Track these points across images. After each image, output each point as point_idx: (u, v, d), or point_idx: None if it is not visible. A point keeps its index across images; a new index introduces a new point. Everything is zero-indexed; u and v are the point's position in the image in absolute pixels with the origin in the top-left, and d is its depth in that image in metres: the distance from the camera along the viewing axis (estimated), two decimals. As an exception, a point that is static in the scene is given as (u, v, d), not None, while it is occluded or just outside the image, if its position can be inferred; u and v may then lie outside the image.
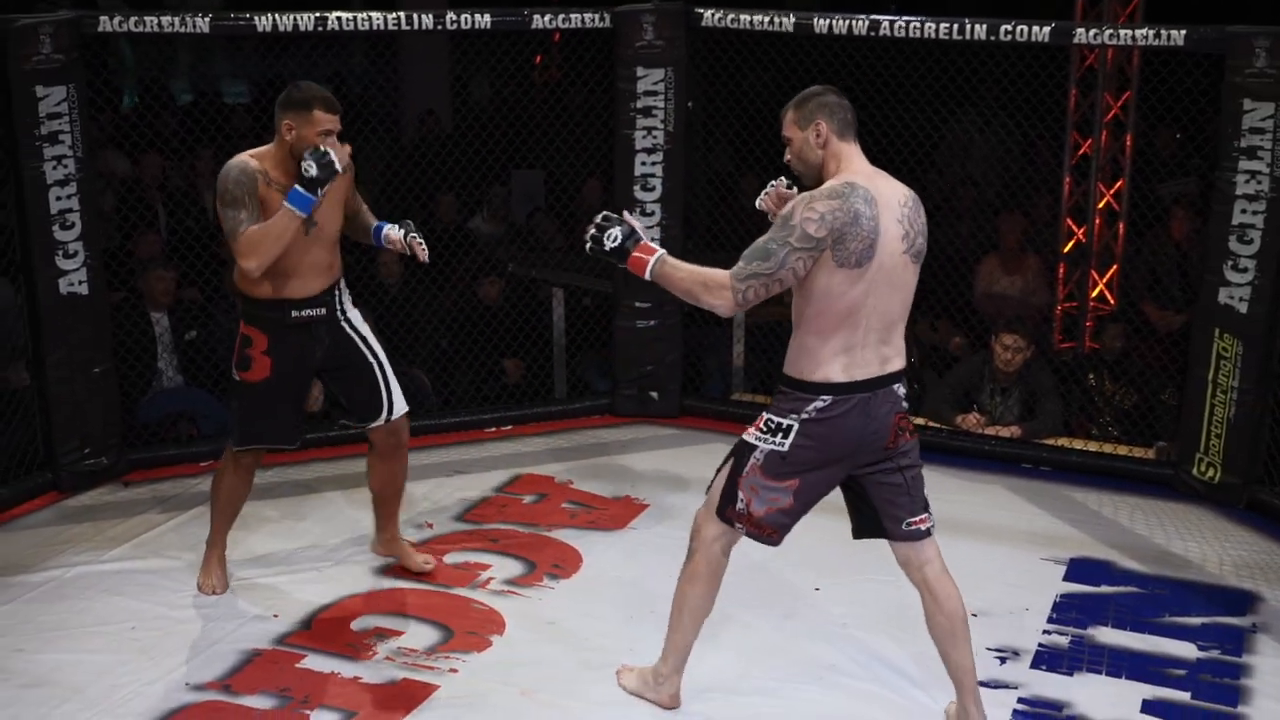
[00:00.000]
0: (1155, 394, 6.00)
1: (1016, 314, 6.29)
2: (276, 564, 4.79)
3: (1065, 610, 4.53)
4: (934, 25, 5.48)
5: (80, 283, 5.25)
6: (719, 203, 6.53)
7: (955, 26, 5.45)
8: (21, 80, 5.01)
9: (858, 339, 3.44)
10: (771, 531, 3.60)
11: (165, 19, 5.24)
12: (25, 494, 5.28)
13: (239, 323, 4.32)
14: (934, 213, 7.13)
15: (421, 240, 4.36)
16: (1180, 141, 7.33)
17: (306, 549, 4.92)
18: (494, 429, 6.21)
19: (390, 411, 4.43)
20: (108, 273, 5.54)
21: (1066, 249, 6.74)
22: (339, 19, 5.45)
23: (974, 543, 4.95)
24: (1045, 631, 4.38)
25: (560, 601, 4.53)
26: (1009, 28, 5.37)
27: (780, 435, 3.50)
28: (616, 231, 3.51)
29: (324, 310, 4.29)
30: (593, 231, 3.53)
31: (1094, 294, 6.69)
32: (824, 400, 3.46)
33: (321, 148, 4.01)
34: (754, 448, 3.55)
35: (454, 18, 5.64)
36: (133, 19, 5.21)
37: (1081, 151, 6.59)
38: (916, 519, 3.63)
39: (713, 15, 5.87)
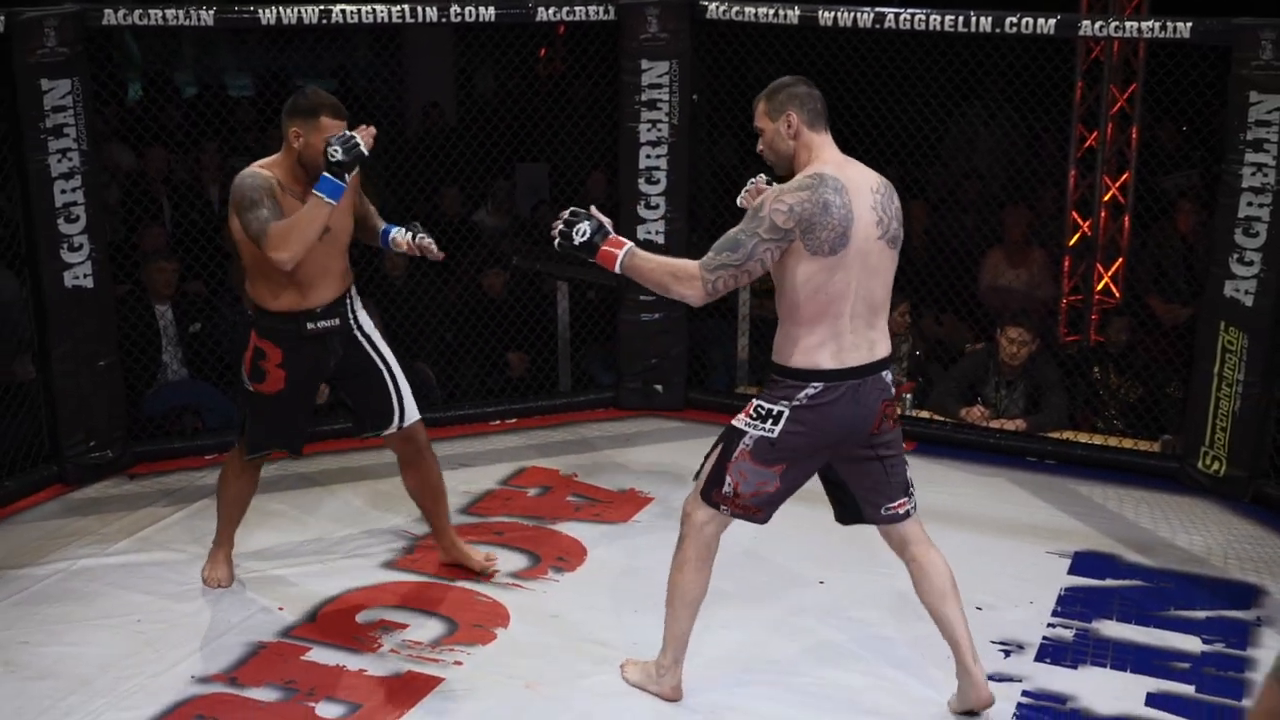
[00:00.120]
0: (1160, 387, 6.00)
1: (1021, 307, 6.29)
2: (282, 557, 4.80)
3: (1070, 603, 4.53)
4: (939, 18, 5.47)
5: (85, 276, 5.26)
6: (723, 195, 6.51)
7: (960, 19, 5.44)
8: (27, 73, 5.01)
9: (844, 325, 3.48)
10: (757, 510, 3.64)
11: (169, 12, 5.23)
12: (31, 487, 5.29)
13: (250, 333, 4.27)
14: (939, 205, 7.19)
15: (430, 240, 4.31)
16: (1186, 134, 7.31)
17: (312, 542, 4.93)
18: (498, 422, 6.21)
19: (402, 419, 4.39)
20: (113, 266, 5.55)
21: (1072, 242, 6.74)
22: (343, 12, 5.45)
23: (978, 536, 4.95)
24: (1050, 625, 4.38)
25: (564, 594, 4.54)
26: (1014, 20, 5.36)
27: (770, 421, 3.53)
28: (585, 226, 3.55)
29: (338, 321, 4.26)
30: (560, 227, 3.57)
31: (1099, 287, 6.68)
32: (815, 387, 3.50)
33: (346, 133, 3.97)
34: (743, 433, 3.58)
35: (458, 10, 5.63)
36: (137, 12, 5.21)
37: (1087, 144, 6.58)
38: (895, 504, 3.70)
39: (717, 8, 5.87)
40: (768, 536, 4.38)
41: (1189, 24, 5.14)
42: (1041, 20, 5.34)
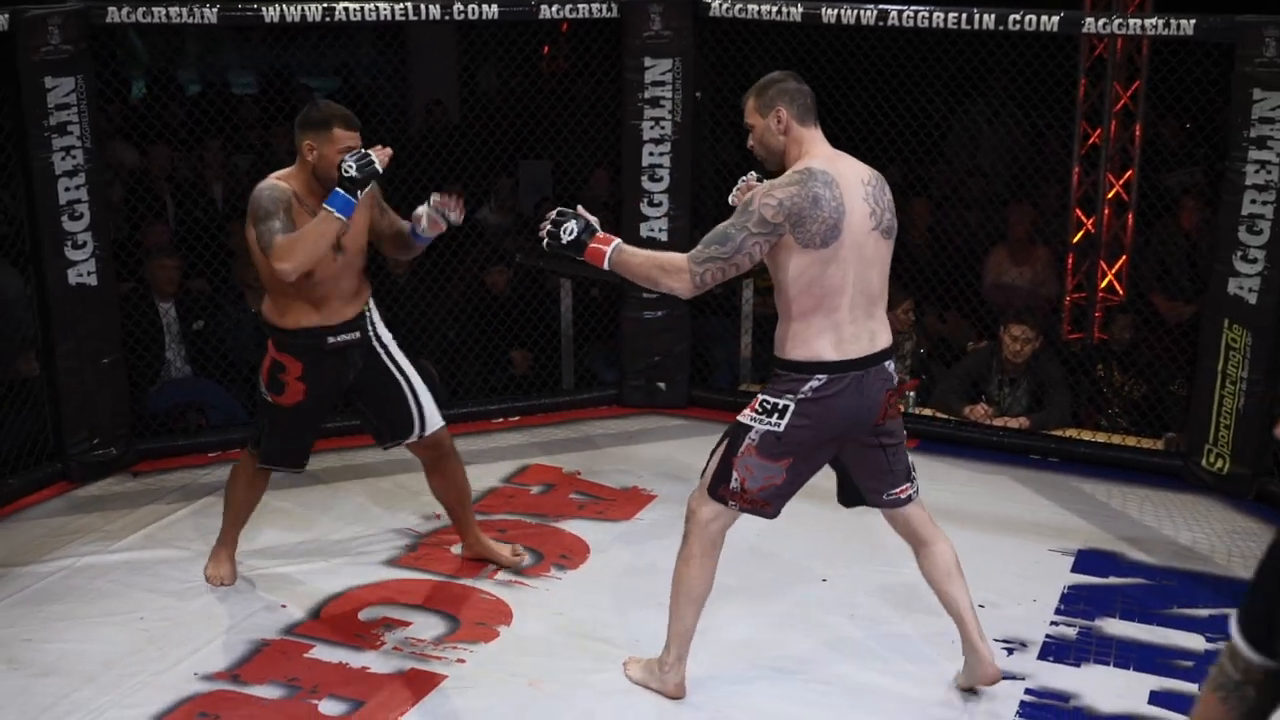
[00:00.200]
0: (1164, 385, 5.99)
1: (1025, 305, 6.28)
2: (285, 554, 4.80)
3: (1073, 601, 4.53)
4: (942, 15, 5.47)
5: (89, 273, 5.27)
6: (726, 193, 6.50)
7: (964, 16, 5.44)
8: (30, 71, 5.01)
9: (843, 317, 3.51)
10: (765, 504, 3.66)
11: (173, 10, 5.23)
12: (35, 484, 5.30)
13: (269, 344, 4.25)
14: (942, 203, 7.18)
15: (438, 196, 4.17)
16: (1189, 131, 7.31)
17: (315, 539, 4.93)
18: (501, 420, 6.21)
19: (423, 427, 4.38)
20: (116, 263, 5.55)
21: (1075, 239, 6.73)
22: (346, 9, 5.44)
23: (982, 534, 4.95)
24: (1053, 623, 4.38)
25: (567, 592, 4.54)
26: (1018, 17, 5.35)
27: (776, 416, 3.55)
28: (572, 225, 3.58)
29: (358, 334, 4.24)
30: (549, 228, 3.60)
31: (1103, 284, 6.67)
32: (819, 379, 3.51)
33: (362, 150, 3.94)
34: (749, 428, 3.60)
35: (461, 8, 5.63)
36: (140, 10, 5.21)
37: (1091, 141, 6.58)
38: (897, 490, 3.74)
39: (720, 5, 5.86)
40: (771, 533, 4.39)
41: (1192, 21, 5.14)
42: (1045, 17, 5.34)
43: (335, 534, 4.97)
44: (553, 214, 3.62)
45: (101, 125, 5.46)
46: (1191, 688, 4.01)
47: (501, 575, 4.63)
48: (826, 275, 3.46)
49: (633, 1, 5.89)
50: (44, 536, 4.94)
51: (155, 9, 5.23)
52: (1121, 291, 6.64)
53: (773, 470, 3.59)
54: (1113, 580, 4.71)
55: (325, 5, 5.41)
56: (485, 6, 5.64)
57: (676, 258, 3.54)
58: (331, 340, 4.19)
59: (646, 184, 6.08)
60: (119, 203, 6.51)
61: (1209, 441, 5.42)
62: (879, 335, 3.58)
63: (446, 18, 5.67)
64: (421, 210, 4.19)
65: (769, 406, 3.57)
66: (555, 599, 4.48)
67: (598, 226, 3.61)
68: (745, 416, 3.62)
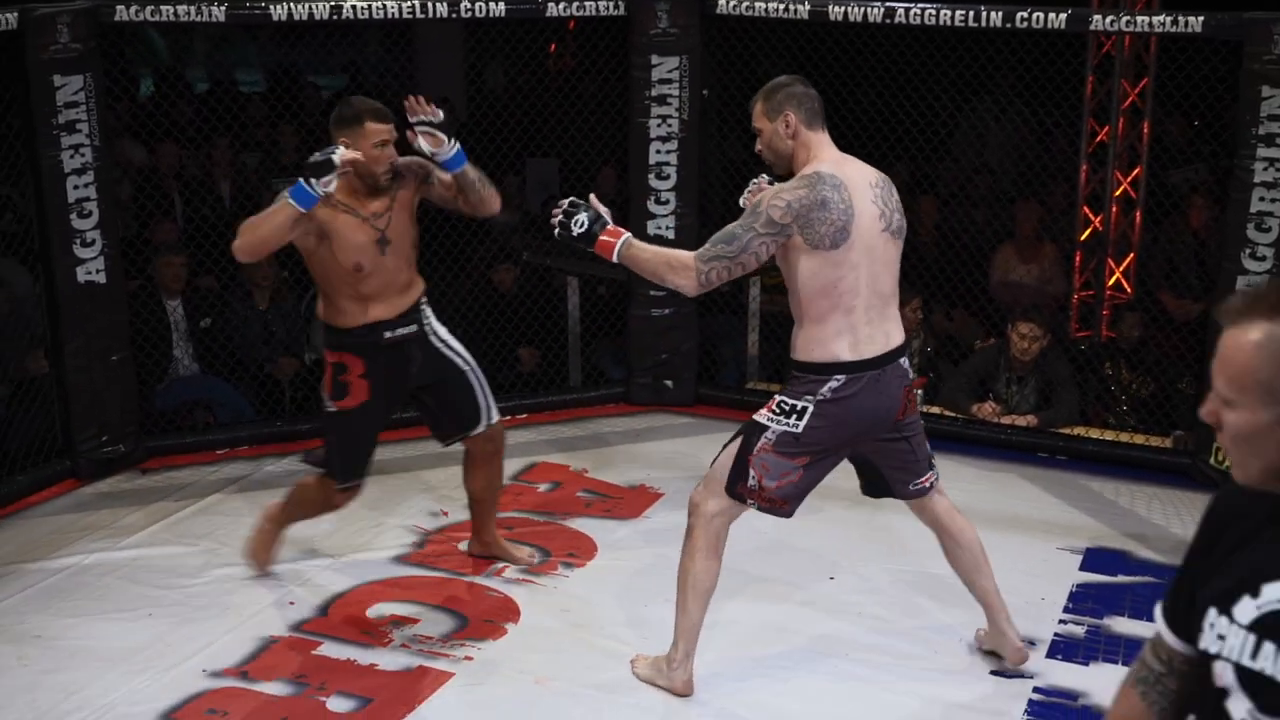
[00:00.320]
0: (1172, 383, 5.98)
1: (1033, 302, 6.27)
2: (294, 551, 4.80)
3: (1081, 600, 4.53)
4: (949, 12, 5.46)
5: (98, 271, 5.28)
6: (734, 190, 6.49)
7: (971, 13, 5.43)
8: (39, 69, 5.02)
9: (858, 318, 3.53)
10: (783, 503, 3.68)
11: (181, 8, 5.23)
12: (44, 481, 5.31)
13: (325, 353, 4.25)
14: (950, 201, 7.17)
15: (410, 103, 4.03)
16: (1197, 129, 7.29)
17: (323, 536, 4.93)
18: (509, 417, 6.18)
19: (490, 417, 4.38)
20: (125, 261, 5.56)
21: (1083, 237, 6.72)
22: (353, 7, 5.45)
23: (990, 532, 4.91)
24: (1061, 621, 4.38)
25: (575, 590, 4.54)
26: (1025, 15, 5.35)
27: (795, 416, 3.57)
28: (583, 217, 3.61)
29: (415, 327, 4.23)
30: (560, 217, 3.61)
31: (1111, 282, 6.66)
32: (838, 380, 3.54)
33: (335, 147, 3.90)
34: (765, 428, 3.62)
35: (468, 6, 5.63)
36: (149, 8, 5.21)
37: (1098, 139, 6.57)
38: (922, 479, 3.81)
39: (727, 3, 5.85)
40: (779, 531, 4.39)
41: (1200, 18, 5.13)
42: (1052, 15, 5.33)
43: (344, 531, 4.97)
44: (564, 204, 3.64)
45: (110, 123, 5.47)
46: (1199, 686, 4.01)
47: (510, 573, 4.64)
48: (839, 277, 3.49)
49: (640, -1, 5.89)
50: (53, 533, 4.95)
51: (164, 7, 5.22)
52: (1129, 289, 6.63)
53: (790, 468, 3.61)
54: (1121, 578, 4.71)
55: (333, 3, 5.41)
56: (492, 4, 5.64)
57: (684, 255, 3.56)
58: (389, 335, 4.17)
59: (653, 182, 6.07)
60: (127, 200, 6.52)
61: (1217, 440, 5.40)
62: (893, 334, 3.62)
63: (454, 15, 5.68)
64: (416, 143, 4.07)
65: (787, 407, 3.59)
66: (563, 596, 4.49)
67: (609, 219, 3.63)
68: (762, 416, 3.64)
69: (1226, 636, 1.69)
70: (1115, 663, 4.13)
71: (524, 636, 4.24)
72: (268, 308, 6.17)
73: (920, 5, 5.53)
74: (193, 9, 5.25)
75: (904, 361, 3.65)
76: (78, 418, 5.35)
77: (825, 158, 3.58)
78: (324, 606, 4.41)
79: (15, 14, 4.92)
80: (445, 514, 5.11)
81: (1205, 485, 5.46)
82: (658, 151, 6.05)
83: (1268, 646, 1.65)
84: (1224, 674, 1.71)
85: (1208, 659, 1.73)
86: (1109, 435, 5.87)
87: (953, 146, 7.62)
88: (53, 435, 5.39)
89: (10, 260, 5.81)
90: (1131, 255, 6.64)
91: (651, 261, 3.59)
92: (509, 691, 3.92)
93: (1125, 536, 5.04)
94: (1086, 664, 4.13)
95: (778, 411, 3.60)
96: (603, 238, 3.60)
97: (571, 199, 3.66)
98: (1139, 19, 5.38)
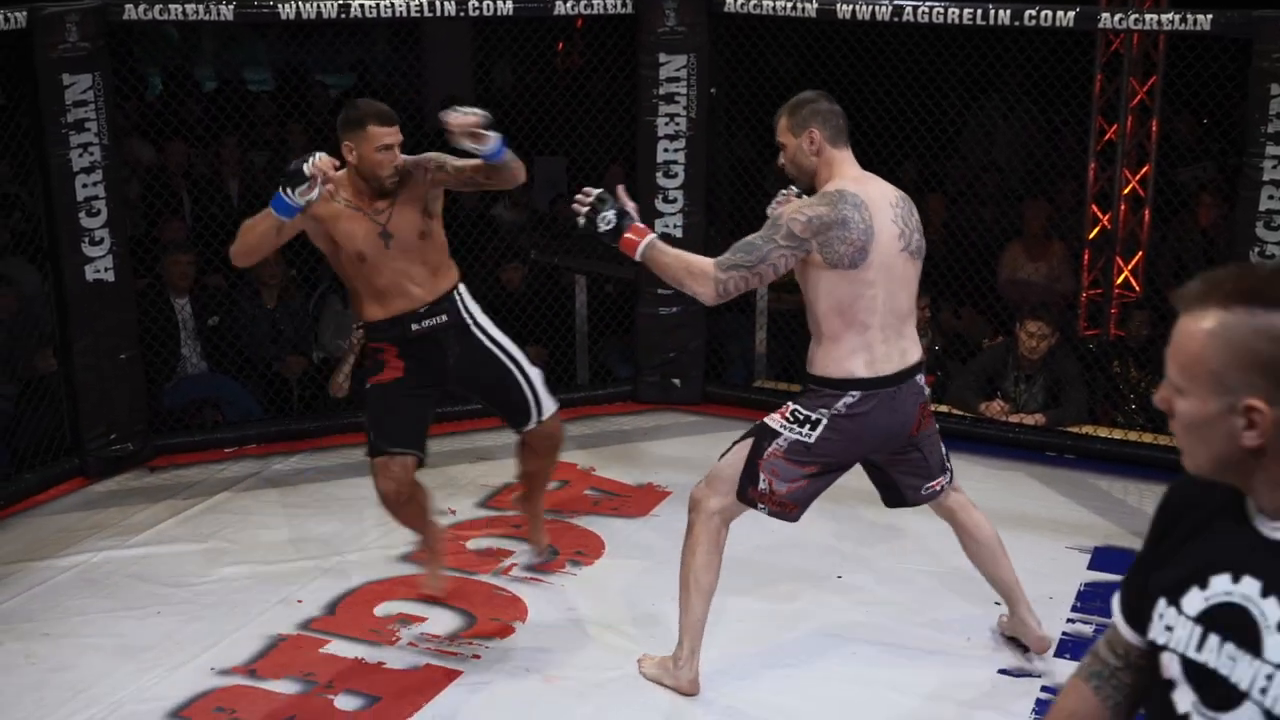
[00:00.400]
0: (1180, 381, 5.95)
1: (1041, 301, 6.26)
2: (301, 549, 4.81)
3: (1090, 599, 4.52)
4: (957, 10, 5.45)
5: (106, 269, 5.29)
6: (741, 189, 6.51)
7: (979, 11, 5.42)
8: (48, 68, 5.03)
9: (874, 336, 3.55)
10: (793, 507, 3.69)
11: (189, 6, 5.24)
12: (52, 480, 5.32)
13: (364, 346, 4.24)
14: (957, 199, 7.16)
15: (451, 119, 3.92)
16: (1206, 127, 7.27)
17: (331, 535, 4.94)
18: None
19: (540, 413, 4.28)
20: (133, 259, 5.57)
21: (1091, 235, 6.71)
22: (361, 6, 5.45)
23: (998, 531, 4.92)
24: (1069, 620, 4.37)
25: (582, 588, 4.54)
26: (1033, 13, 5.34)
27: (808, 427, 3.59)
28: (611, 214, 3.58)
29: (445, 317, 4.13)
30: (586, 210, 3.58)
31: (1119, 280, 6.65)
32: (853, 396, 3.56)
33: (314, 154, 3.80)
34: (777, 434, 3.62)
35: (476, 4, 5.63)
36: (157, 7, 5.22)
37: (1107, 137, 6.55)
38: (933, 483, 3.83)
39: (735, 1, 5.85)
40: (786, 528, 4.38)
41: (1209, 16, 5.12)
42: (1061, 13, 5.32)
43: (351, 529, 4.98)
44: (591, 195, 3.60)
45: (119, 122, 5.48)
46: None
47: (517, 571, 4.64)
48: (856, 296, 3.50)
49: (648, -3, 5.89)
50: (61, 531, 4.96)
51: (172, 6, 5.23)
52: (1138, 287, 6.61)
53: (800, 475, 3.62)
54: (1129, 577, 4.69)
55: (341, 2, 5.41)
56: (500, 2, 5.64)
57: (705, 263, 3.55)
58: (416, 327, 4.10)
59: (661, 180, 6.07)
60: (136, 199, 6.53)
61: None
62: (909, 351, 3.63)
63: (462, 14, 5.68)
64: (451, 122, 3.93)
65: (801, 417, 3.60)
66: (570, 595, 4.49)
67: (635, 215, 3.61)
68: (774, 422, 3.64)
69: (1174, 628, 1.67)
70: (1123, 662, 4.12)
71: (531, 635, 4.24)
72: (276, 306, 6.19)
73: (928, 3, 5.52)
74: (201, 7, 5.25)
75: (919, 379, 3.67)
76: (86, 416, 5.36)
77: (848, 175, 3.59)
78: (331, 605, 4.42)
79: (24, 13, 4.93)
80: (452, 512, 5.11)
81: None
82: (665, 150, 6.05)
83: (1212, 639, 1.63)
84: (1170, 666, 1.69)
85: (1156, 650, 1.71)
86: (1117, 434, 5.86)
87: (961, 144, 7.61)
88: (61, 433, 5.40)
89: (19, 259, 5.83)
90: (1140, 253, 6.63)
91: (673, 266, 3.56)
92: (516, 690, 3.92)
93: (1134, 535, 5.02)
94: (1094, 663, 4.12)
95: (791, 420, 3.61)
96: (627, 235, 3.57)
97: (600, 192, 3.62)
98: (1148, 17, 5.37)
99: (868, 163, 3.84)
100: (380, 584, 4.56)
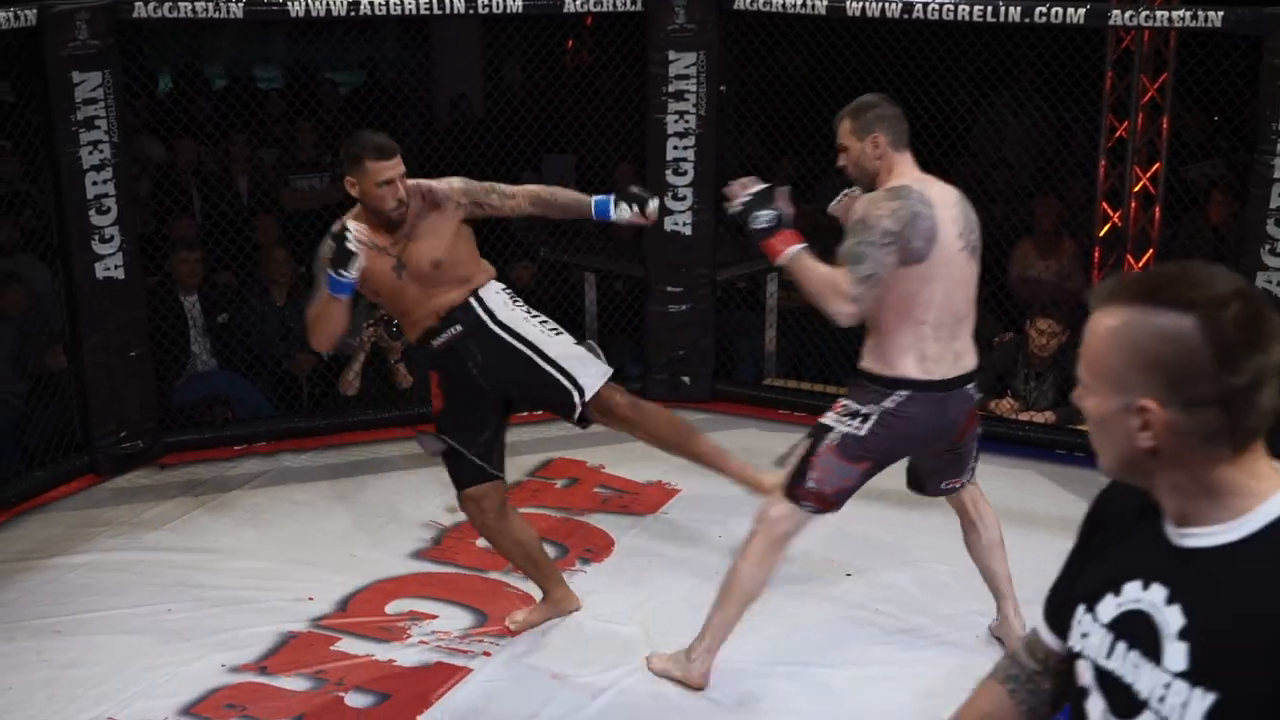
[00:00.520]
0: (1191, 379, 5.94)
1: (1051, 298, 6.25)
2: (312, 547, 4.82)
3: (1099, 596, 4.50)
4: (968, 7, 5.44)
5: (116, 267, 5.29)
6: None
7: (989, 9, 5.41)
8: (58, 66, 5.04)
9: (926, 333, 3.54)
10: (835, 505, 3.72)
11: (199, 4, 5.24)
12: (62, 477, 5.33)
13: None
14: (968, 196, 7.13)
15: (648, 205, 4.05)
16: (1217, 124, 7.26)
17: (341, 532, 4.95)
18: (525, 413, 6.20)
19: (581, 393, 4.00)
20: (143, 257, 5.58)
21: (1102, 233, 6.69)
22: (371, 3, 5.45)
23: (1007, 529, 4.88)
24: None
25: (592, 585, 4.54)
26: (1044, 10, 5.32)
27: (859, 421, 3.60)
28: (769, 214, 3.54)
29: (458, 328, 4.01)
30: (745, 200, 3.55)
31: (1128, 279, 6.62)
32: (902, 395, 3.56)
33: (347, 227, 3.76)
34: (830, 429, 3.63)
35: (486, 1, 5.62)
36: (167, 5, 5.22)
37: (1117, 134, 6.53)
38: (955, 480, 3.88)
39: (745, -2, 5.84)
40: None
41: (1220, 13, 5.10)
42: (1071, 9, 5.30)
43: (361, 527, 4.99)
44: (756, 188, 3.57)
45: (128, 120, 5.48)
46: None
47: (526, 568, 4.64)
48: (914, 292, 3.50)
49: (657, -5, 5.88)
50: (71, 529, 4.97)
51: (182, 4, 5.23)
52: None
53: (850, 472, 3.63)
54: (1139, 575, 4.68)
55: (350, -1, 5.42)
56: (509, 0, 5.64)
57: (843, 280, 3.45)
58: (435, 343, 4.04)
59: (670, 178, 6.07)
60: (146, 197, 6.55)
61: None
62: (964, 357, 3.63)
63: (471, 11, 5.67)
64: (630, 214, 4.06)
65: (852, 411, 3.61)
66: (579, 592, 4.48)
67: (791, 220, 3.58)
68: (828, 418, 3.66)
69: (1089, 635, 1.66)
70: (1134, 660, 4.12)
71: (541, 632, 4.24)
72: (286, 304, 6.19)
73: (938, 0, 5.51)
74: (211, 5, 5.25)
75: (971, 389, 3.67)
76: (96, 413, 5.36)
77: (908, 175, 3.61)
78: (342, 602, 4.42)
79: (34, 10, 4.93)
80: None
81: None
82: (675, 147, 6.04)
83: (1120, 647, 1.61)
84: (1085, 673, 1.67)
85: (1074, 657, 1.70)
86: (1127, 432, 5.84)
87: (971, 142, 7.59)
88: (71, 431, 5.41)
89: (29, 256, 5.84)
90: (1150, 251, 6.61)
91: (816, 281, 3.48)
92: (526, 687, 3.93)
93: (1144, 533, 5.01)
94: (1105, 661, 4.11)
95: (843, 413, 3.62)
96: (774, 240, 3.54)
97: (762, 187, 3.57)
98: (1158, 14, 5.36)
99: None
100: (391, 581, 4.56)
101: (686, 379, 6.32)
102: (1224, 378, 1.50)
